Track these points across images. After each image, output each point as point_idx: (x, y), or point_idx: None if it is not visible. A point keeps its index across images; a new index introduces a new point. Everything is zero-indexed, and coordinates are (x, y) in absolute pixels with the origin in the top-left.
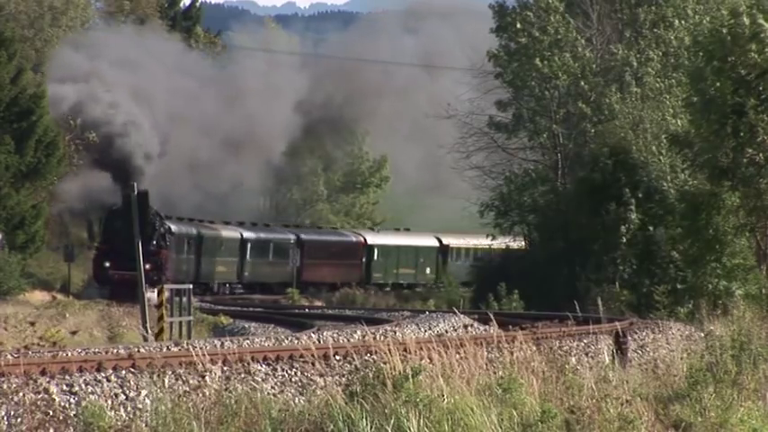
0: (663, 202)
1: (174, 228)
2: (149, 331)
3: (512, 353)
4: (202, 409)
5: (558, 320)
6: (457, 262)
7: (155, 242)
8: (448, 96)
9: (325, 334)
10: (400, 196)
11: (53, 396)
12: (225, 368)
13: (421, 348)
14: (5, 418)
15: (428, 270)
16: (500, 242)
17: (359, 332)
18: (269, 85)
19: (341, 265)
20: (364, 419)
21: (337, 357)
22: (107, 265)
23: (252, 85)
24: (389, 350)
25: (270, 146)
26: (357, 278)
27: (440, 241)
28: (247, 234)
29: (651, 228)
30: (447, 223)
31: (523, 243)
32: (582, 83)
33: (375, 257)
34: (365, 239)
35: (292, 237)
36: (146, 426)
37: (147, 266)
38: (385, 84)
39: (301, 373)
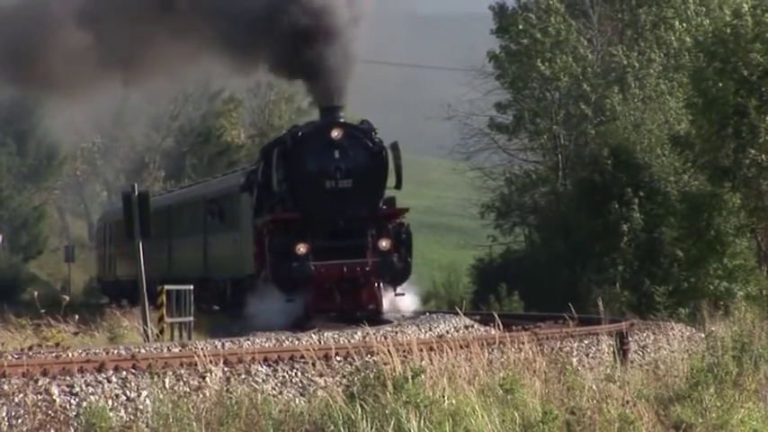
0: (665, 203)
1: None
2: (150, 332)
3: (516, 352)
4: (203, 409)
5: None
6: None
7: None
8: None
9: (325, 335)
10: None
11: (54, 397)
12: (225, 369)
13: (421, 350)
14: (6, 419)
15: None
16: None
17: (359, 333)
18: None
19: None
20: (365, 420)
21: (338, 358)
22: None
23: None
24: (389, 351)
25: None
26: None
27: None
28: None
29: (653, 228)
30: None
31: None
32: (583, 84)
33: None
34: None
35: None
36: (146, 426)
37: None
38: None
39: (302, 373)
